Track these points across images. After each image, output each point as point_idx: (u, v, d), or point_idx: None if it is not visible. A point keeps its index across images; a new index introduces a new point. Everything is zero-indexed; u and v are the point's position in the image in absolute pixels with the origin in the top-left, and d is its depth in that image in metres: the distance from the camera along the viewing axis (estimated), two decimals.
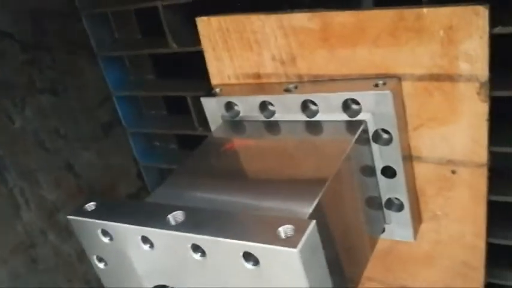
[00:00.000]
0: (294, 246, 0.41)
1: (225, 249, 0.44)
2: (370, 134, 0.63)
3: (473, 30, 0.56)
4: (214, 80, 0.75)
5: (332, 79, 0.66)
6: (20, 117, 0.77)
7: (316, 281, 0.44)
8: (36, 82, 0.80)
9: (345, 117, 0.63)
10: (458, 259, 0.72)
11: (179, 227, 0.47)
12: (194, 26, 0.73)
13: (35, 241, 0.81)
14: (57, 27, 0.83)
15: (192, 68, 0.83)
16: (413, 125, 0.64)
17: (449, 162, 0.65)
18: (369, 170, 0.65)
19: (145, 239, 0.50)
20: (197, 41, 0.74)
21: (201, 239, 0.46)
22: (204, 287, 0.49)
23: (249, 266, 0.44)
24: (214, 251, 0.45)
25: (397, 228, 0.69)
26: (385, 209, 0.68)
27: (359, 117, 0.62)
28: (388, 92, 0.60)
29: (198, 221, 0.47)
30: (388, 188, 0.66)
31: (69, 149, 0.85)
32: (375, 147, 0.64)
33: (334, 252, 0.55)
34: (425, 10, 0.57)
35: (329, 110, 0.64)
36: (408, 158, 0.66)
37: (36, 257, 0.81)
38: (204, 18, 0.72)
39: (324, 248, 0.45)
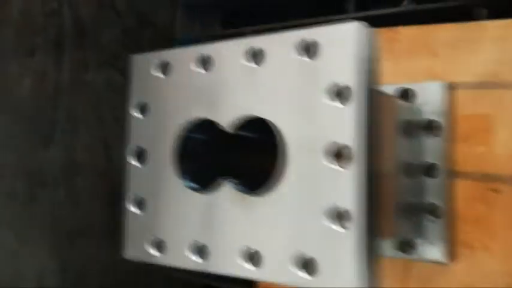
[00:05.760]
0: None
1: (281, 42, 0.46)
2: (421, 124, 0.65)
3: None
4: None
5: None
6: None
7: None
8: None
9: None
10: None
11: None
12: None
13: None
14: None
15: None
16: (462, 135, 0.66)
17: (493, 179, 0.64)
18: (412, 167, 0.64)
19: (203, 60, 0.51)
20: None
21: (258, 40, 0.47)
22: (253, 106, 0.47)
23: (302, 57, 0.44)
24: (269, 49, 0.46)
25: (428, 245, 0.64)
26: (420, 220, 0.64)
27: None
28: (440, 83, 0.65)
29: None
30: (428, 191, 0.64)
31: None
32: (423, 141, 0.65)
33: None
34: (485, 23, 0.66)
35: None
36: (453, 164, 0.65)
37: None
38: None
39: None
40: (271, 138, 0.46)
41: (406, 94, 0.67)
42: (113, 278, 0.85)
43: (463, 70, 0.67)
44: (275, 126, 0.45)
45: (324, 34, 0.42)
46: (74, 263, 0.79)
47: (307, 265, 0.43)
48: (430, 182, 0.64)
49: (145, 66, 0.55)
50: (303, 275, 0.43)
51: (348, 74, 0.41)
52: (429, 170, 0.65)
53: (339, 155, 0.43)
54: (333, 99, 0.42)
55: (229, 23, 0.97)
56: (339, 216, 0.42)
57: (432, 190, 0.64)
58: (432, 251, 0.64)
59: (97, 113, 0.82)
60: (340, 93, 0.42)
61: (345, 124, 0.42)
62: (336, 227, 0.42)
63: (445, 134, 0.64)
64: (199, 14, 0.99)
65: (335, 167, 0.42)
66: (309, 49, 0.43)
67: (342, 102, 0.42)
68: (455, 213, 0.65)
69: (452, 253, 0.65)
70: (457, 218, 0.65)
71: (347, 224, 0.41)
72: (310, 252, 0.43)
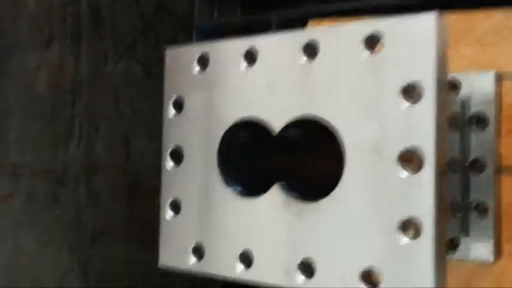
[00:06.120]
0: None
1: (344, 36, 0.42)
2: (467, 117, 0.62)
3: None
4: None
5: None
6: None
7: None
8: None
9: None
10: None
11: None
12: None
13: None
14: None
15: None
16: (507, 128, 0.63)
17: None
18: (456, 162, 0.61)
19: (248, 54, 0.47)
20: None
21: (316, 33, 0.44)
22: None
23: (368, 52, 0.41)
24: (328, 43, 0.43)
25: (473, 244, 0.61)
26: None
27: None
28: (490, 73, 0.61)
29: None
30: (473, 188, 0.61)
31: None
32: (467, 135, 0.62)
33: None
34: None
35: None
36: (498, 158, 0.62)
37: None
38: None
39: None
40: (326, 140, 0.43)
41: (449, 85, 0.63)
42: (135, 277, 0.81)
43: (510, 59, 0.63)
44: (334, 127, 0.42)
45: (395, 27, 0.39)
46: (96, 264, 0.75)
47: (370, 278, 0.40)
48: (476, 178, 0.61)
49: (182, 60, 0.51)
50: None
51: (423, 71, 0.38)
52: (474, 165, 0.62)
53: (406, 158, 0.40)
54: (403, 98, 0.39)
55: (249, 9, 0.92)
56: (410, 225, 0.39)
57: (478, 186, 0.61)
58: (478, 249, 0.61)
59: (116, 106, 0.78)
60: (412, 92, 0.38)
61: (417, 125, 0.38)
62: (406, 237, 0.38)
63: (492, 127, 0.61)
64: (218, 0, 0.94)
65: (405, 172, 0.39)
66: (377, 43, 0.39)
67: (414, 101, 0.39)
68: (500, 209, 0.62)
69: (497, 251, 0.62)
70: (503, 214, 0.63)
71: (418, 234, 0.38)
72: (373, 263, 0.39)
